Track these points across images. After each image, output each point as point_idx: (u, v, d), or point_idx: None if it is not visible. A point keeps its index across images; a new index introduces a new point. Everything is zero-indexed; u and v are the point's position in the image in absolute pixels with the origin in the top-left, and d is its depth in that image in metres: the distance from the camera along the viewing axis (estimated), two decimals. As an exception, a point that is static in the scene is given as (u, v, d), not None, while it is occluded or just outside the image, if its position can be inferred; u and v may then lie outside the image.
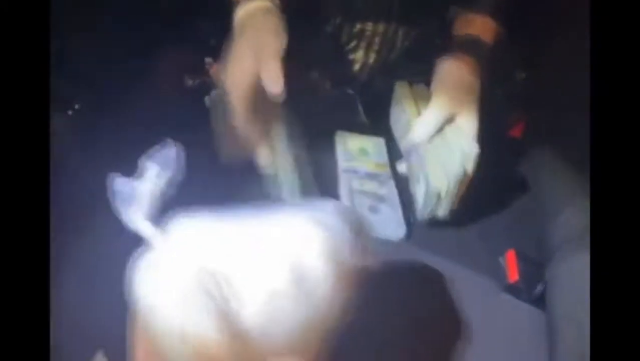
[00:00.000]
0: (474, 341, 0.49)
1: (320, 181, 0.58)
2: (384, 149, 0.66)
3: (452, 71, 0.59)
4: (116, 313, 0.37)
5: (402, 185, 0.61)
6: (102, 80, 0.71)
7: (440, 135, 0.57)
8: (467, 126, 0.57)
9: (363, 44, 0.67)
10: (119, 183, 0.36)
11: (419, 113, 0.60)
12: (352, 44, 0.68)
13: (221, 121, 0.54)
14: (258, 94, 0.50)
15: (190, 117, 0.63)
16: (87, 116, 0.69)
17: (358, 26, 0.66)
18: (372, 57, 0.67)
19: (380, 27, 0.66)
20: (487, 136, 0.71)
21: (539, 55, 0.74)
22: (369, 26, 0.66)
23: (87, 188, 0.60)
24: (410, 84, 0.65)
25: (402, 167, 0.62)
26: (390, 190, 0.60)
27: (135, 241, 0.35)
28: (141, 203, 0.35)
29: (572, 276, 0.48)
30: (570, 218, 0.53)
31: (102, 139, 0.64)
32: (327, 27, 0.68)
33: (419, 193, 0.57)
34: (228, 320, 0.32)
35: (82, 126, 0.68)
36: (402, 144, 0.62)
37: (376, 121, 0.68)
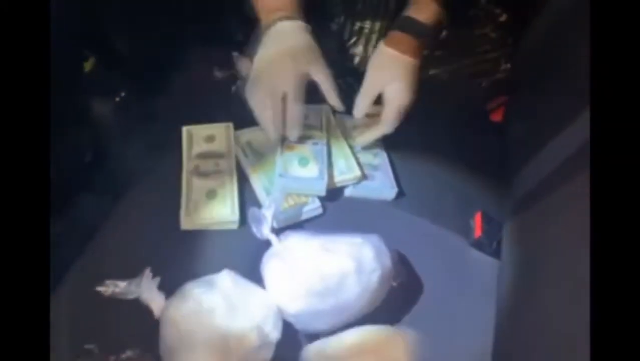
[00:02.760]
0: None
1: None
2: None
3: (383, 50, 0.68)
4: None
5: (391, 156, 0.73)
6: (143, 71, 0.83)
7: None
8: (394, 97, 0.66)
9: (362, 40, 0.79)
10: (255, 211, 0.60)
11: None
12: (353, 40, 0.79)
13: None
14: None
15: (218, 104, 0.75)
16: (131, 103, 0.82)
17: (358, 24, 0.78)
18: (369, 52, 0.79)
19: (377, 25, 0.77)
20: (471, 121, 0.82)
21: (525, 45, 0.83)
22: (367, 24, 0.78)
23: (128, 163, 0.74)
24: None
25: None
26: (382, 160, 0.72)
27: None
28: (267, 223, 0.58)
29: (519, 232, 0.59)
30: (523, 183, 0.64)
31: (143, 122, 0.78)
32: (332, 25, 0.79)
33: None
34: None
35: (126, 111, 0.81)
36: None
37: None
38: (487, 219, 0.65)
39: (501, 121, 0.81)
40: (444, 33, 0.77)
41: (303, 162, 0.67)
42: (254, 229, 0.59)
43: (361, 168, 0.69)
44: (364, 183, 0.69)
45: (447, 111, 0.80)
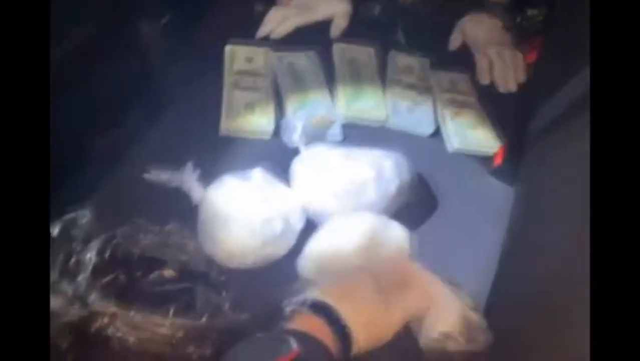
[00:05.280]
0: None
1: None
2: (427, 67, 0.81)
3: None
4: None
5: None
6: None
7: None
8: None
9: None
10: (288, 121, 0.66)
11: None
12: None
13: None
14: None
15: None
16: (176, 26, 0.87)
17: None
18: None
19: None
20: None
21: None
22: None
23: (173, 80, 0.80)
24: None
25: None
26: (426, 99, 0.76)
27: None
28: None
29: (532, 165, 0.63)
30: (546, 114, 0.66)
31: (187, 44, 0.83)
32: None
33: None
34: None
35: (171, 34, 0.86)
36: None
37: (417, 42, 0.83)
38: (509, 149, 0.68)
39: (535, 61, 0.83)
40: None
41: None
42: (285, 137, 0.65)
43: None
44: (405, 114, 0.74)
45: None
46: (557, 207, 0.56)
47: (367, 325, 0.42)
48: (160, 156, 0.65)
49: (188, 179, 0.59)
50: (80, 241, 0.47)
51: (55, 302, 0.41)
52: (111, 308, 0.42)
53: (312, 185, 0.59)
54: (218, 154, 0.67)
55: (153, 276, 0.49)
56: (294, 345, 0.37)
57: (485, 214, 0.67)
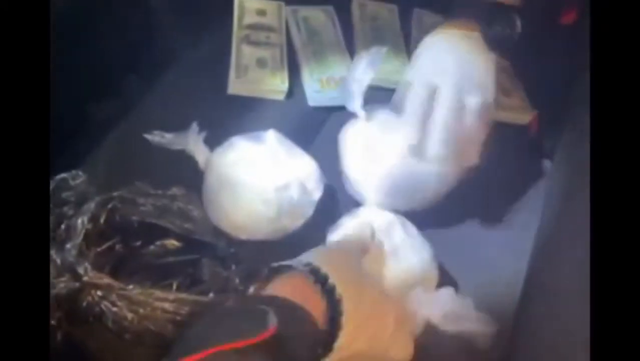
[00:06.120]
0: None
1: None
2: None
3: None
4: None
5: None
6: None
7: None
8: None
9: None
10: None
11: None
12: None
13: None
14: None
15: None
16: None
17: None
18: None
19: None
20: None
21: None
22: None
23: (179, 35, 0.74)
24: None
25: None
26: None
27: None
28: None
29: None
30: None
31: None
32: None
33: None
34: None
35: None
36: None
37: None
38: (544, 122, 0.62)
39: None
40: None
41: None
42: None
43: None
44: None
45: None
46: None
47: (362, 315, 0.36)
48: (163, 115, 0.59)
49: (193, 140, 0.54)
50: (72, 205, 0.42)
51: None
52: (105, 279, 0.36)
53: (362, 159, 0.53)
54: (226, 115, 0.60)
55: (154, 246, 0.44)
56: (271, 320, 0.30)
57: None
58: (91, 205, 0.41)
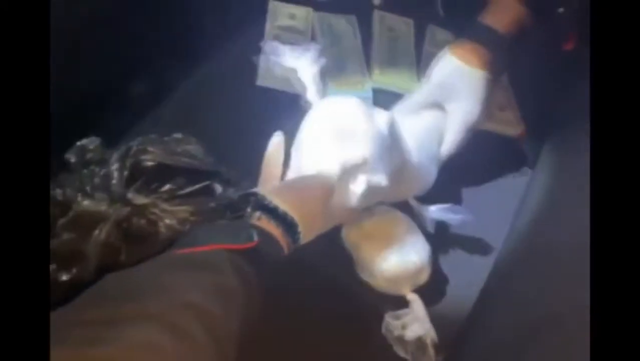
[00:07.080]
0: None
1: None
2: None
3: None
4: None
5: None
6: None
7: None
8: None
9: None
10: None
11: None
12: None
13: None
14: None
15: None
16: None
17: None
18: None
19: None
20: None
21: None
22: None
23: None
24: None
25: None
26: None
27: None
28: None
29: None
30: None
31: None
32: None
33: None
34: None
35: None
36: None
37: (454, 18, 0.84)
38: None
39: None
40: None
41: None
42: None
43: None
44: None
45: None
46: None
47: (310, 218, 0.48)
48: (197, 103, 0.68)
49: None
50: (96, 163, 0.48)
51: (98, 208, 0.44)
52: (151, 199, 0.45)
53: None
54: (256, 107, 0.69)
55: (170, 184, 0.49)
56: (255, 236, 0.41)
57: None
58: (116, 155, 0.48)
